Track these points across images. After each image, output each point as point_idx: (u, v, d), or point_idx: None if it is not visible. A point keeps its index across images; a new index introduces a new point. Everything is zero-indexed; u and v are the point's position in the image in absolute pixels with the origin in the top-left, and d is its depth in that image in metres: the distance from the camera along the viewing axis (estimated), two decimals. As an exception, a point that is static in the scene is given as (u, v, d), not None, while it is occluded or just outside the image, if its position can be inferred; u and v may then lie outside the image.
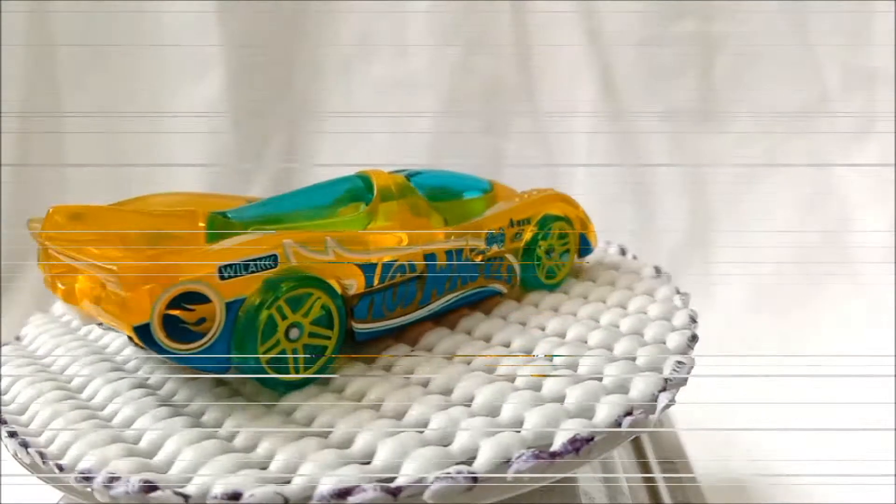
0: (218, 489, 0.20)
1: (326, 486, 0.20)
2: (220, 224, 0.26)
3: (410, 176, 0.31)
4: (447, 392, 0.25)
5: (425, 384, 0.26)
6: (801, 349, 0.64)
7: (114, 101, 0.73)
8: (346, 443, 0.23)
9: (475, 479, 0.21)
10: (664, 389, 0.25)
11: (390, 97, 0.74)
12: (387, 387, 0.25)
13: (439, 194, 0.31)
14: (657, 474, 0.40)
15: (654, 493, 0.38)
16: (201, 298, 0.22)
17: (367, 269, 0.26)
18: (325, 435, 0.23)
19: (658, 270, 0.35)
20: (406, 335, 0.29)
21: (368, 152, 0.74)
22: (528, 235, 0.33)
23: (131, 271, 0.21)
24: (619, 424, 0.23)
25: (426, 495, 0.20)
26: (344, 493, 0.20)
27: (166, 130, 0.74)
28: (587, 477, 0.29)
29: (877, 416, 0.54)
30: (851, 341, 0.64)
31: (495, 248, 0.31)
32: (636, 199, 0.73)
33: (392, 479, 0.21)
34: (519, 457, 0.21)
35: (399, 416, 0.24)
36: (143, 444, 0.23)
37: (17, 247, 0.71)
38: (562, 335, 0.29)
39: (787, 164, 0.72)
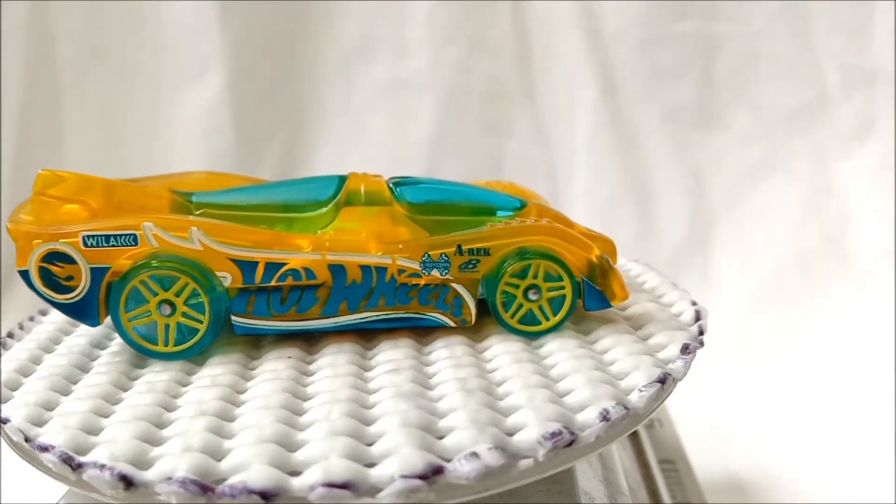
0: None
1: (56, 448, 0.22)
2: (178, 204, 0.30)
3: (399, 184, 0.30)
4: (229, 412, 0.25)
5: (242, 392, 0.26)
6: (801, 349, 0.64)
7: (114, 101, 0.73)
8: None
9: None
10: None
11: (390, 97, 0.74)
12: (195, 386, 0.26)
13: (432, 208, 0.30)
14: (657, 474, 0.40)
15: (654, 493, 0.38)
16: (68, 259, 0.26)
17: (245, 265, 0.27)
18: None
19: (686, 349, 0.27)
20: (320, 341, 0.29)
21: (368, 152, 0.74)
22: (484, 268, 0.28)
23: (18, 228, 0.26)
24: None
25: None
26: (46, 447, 0.22)
27: (166, 130, 0.74)
28: (587, 477, 0.29)
29: (876, 417, 0.54)
30: (851, 341, 0.64)
31: (435, 274, 0.28)
32: (636, 200, 0.73)
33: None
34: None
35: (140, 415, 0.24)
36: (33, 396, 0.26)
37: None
38: (427, 387, 0.25)
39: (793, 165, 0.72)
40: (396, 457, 0.21)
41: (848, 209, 0.71)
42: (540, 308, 0.29)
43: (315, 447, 0.21)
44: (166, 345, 0.27)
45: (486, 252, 0.28)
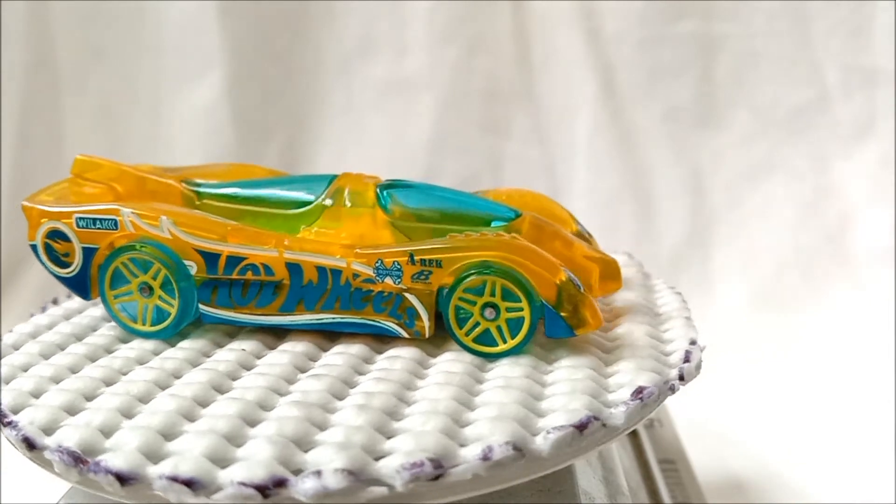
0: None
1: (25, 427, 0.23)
2: (186, 194, 0.32)
3: (386, 188, 0.30)
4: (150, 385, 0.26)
5: (179, 377, 0.27)
6: (801, 349, 0.64)
7: (114, 101, 0.73)
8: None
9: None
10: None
11: (390, 97, 0.74)
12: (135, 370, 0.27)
13: (416, 215, 0.29)
14: (657, 474, 0.40)
15: (654, 493, 0.38)
16: (66, 237, 0.29)
17: (208, 256, 0.28)
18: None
19: (638, 393, 0.24)
20: (285, 337, 0.29)
21: (368, 152, 0.74)
22: (437, 280, 0.27)
23: (31, 207, 0.29)
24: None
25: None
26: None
27: (166, 130, 0.74)
28: (587, 477, 0.29)
29: (876, 417, 0.54)
30: (851, 341, 0.64)
31: (389, 282, 0.27)
32: (636, 200, 0.73)
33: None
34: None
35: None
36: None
37: (18, 245, 0.71)
38: (338, 397, 0.25)
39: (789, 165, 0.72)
40: (247, 463, 0.21)
41: (848, 209, 0.71)
42: (498, 328, 0.27)
43: (185, 440, 0.22)
44: (145, 324, 0.29)
45: (438, 264, 0.26)
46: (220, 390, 0.25)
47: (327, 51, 0.73)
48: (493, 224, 0.29)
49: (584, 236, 0.31)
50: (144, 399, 0.24)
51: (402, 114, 0.74)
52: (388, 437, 0.22)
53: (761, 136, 0.72)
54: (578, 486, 0.28)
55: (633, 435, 0.42)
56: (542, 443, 0.22)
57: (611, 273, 0.30)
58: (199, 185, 0.32)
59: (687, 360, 0.27)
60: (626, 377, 0.25)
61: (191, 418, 0.23)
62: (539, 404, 0.24)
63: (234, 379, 0.26)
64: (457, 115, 0.74)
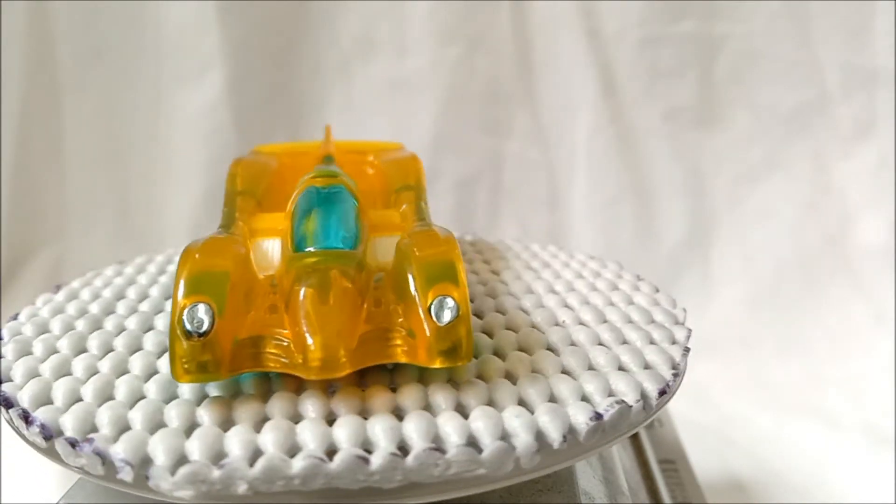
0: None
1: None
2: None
3: (322, 189, 0.27)
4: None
5: None
6: (802, 350, 0.64)
7: (114, 101, 0.73)
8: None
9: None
10: None
11: (390, 97, 0.74)
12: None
13: (299, 216, 0.25)
14: (657, 474, 0.40)
15: (654, 492, 0.38)
16: None
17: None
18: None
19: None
20: None
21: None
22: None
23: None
24: None
25: None
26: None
27: (166, 130, 0.74)
28: (587, 477, 0.29)
29: (876, 417, 0.54)
30: (851, 343, 0.64)
31: None
32: (636, 199, 0.73)
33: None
34: None
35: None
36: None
37: (18, 245, 0.71)
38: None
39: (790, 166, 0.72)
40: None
41: (848, 209, 0.71)
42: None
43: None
44: None
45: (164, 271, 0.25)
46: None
47: (327, 51, 0.73)
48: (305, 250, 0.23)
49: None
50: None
51: (402, 114, 0.74)
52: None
53: (761, 136, 0.72)
54: (578, 486, 0.27)
55: (633, 435, 0.42)
56: (162, 484, 0.19)
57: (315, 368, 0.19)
58: (326, 160, 0.34)
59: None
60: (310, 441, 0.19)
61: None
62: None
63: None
64: (457, 115, 0.74)
